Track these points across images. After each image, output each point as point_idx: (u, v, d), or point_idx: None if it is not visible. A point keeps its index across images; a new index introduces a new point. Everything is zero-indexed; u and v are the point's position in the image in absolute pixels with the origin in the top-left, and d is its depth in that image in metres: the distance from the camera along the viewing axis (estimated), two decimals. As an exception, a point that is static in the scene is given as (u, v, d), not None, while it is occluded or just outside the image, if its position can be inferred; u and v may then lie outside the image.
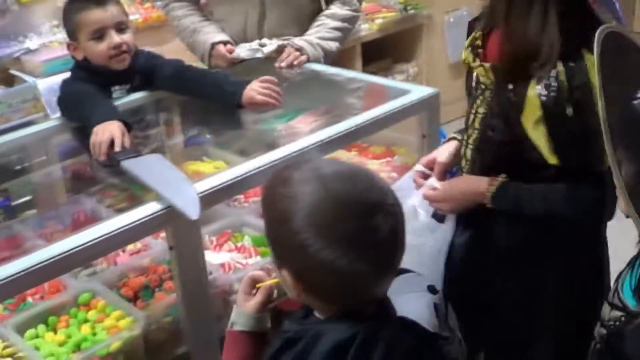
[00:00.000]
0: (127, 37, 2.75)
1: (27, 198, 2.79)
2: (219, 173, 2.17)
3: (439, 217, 2.28)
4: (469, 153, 2.24)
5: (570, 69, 1.95)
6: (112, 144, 2.40)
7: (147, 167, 2.21)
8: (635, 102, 1.56)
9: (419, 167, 2.35)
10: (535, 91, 1.97)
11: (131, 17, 3.74)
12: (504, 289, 2.25)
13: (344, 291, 1.47)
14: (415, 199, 2.30)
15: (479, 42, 2.18)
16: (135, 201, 2.52)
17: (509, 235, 2.20)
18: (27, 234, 2.54)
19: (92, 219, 2.55)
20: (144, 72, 2.87)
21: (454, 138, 2.39)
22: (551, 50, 1.95)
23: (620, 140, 1.60)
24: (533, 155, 2.03)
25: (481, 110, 2.17)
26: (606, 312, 1.88)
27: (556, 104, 1.95)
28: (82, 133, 2.58)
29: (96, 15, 2.69)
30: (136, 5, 4.45)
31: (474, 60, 2.16)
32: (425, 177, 2.34)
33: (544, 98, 1.96)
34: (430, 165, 2.35)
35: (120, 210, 2.50)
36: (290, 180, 1.50)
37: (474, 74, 2.22)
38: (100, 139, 2.40)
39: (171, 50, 4.11)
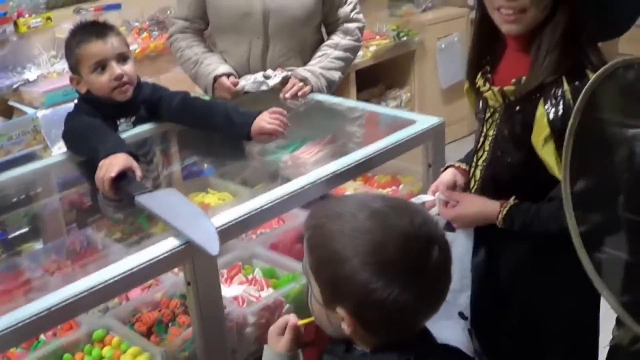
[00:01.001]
0: (128, 68, 2.76)
1: (24, 230, 2.78)
2: (235, 207, 2.16)
3: (449, 227, 2.32)
4: (478, 173, 2.33)
5: (576, 87, 2.02)
6: (120, 177, 2.39)
7: (162, 202, 2.20)
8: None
9: (423, 196, 2.38)
10: (544, 110, 2.06)
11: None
12: (518, 304, 2.32)
13: (399, 324, 1.49)
14: None
15: (487, 68, 2.28)
16: (143, 234, 2.53)
17: (520, 250, 2.27)
18: (28, 267, 2.52)
19: (98, 253, 2.55)
20: (150, 103, 2.87)
21: (451, 166, 2.48)
22: (562, 70, 2.06)
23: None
24: (542, 174, 2.11)
25: (491, 132, 2.27)
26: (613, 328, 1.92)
27: (564, 121, 1.98)
28: (89, 167, 2.57)
29: (97, 48, 2.70)
30: (133, 35, 4.45)
31: (484, 85, 2.25)
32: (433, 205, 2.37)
33: (552, 116, 2.04)
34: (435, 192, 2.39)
35: (123, 241, 2.52)
36: (342, 217, 1.51)
37: (481, 98, 2.31)
38: (105, 173, 2.39)
39: (169, 79, 4.13)
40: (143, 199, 2.25)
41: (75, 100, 2.89)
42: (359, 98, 5.54)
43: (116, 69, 2.71)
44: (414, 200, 2.34)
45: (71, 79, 2.82)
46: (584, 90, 1.73)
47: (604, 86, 1.72)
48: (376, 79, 5.88)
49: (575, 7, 2.07)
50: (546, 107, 2.06)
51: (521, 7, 2.10)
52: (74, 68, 2.78)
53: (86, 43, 2.71)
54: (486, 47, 2.30)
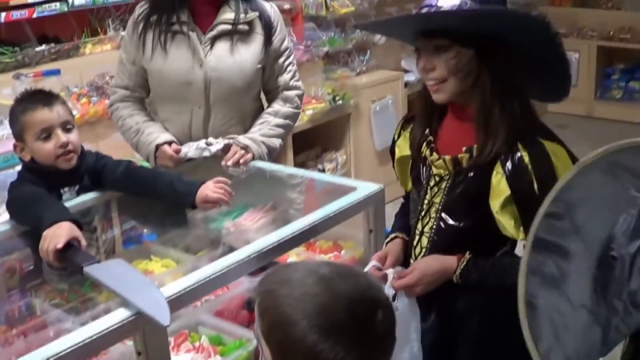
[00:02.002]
0: (73, 136, 2.77)
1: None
2: (183, 277, 2.20)
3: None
4: (425, 240, 2.40)
5: (533, 153, 2.16)
6: (66, 246, 2.41)
7: (111, 272, 2.23)
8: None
9: (373, 262, 2.43)
10: (502, 175, 2.17)
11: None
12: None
13: None
14: None
15: (431, 138, 2.37)
16: (89, 302, 2.53)
17: (473, 307, 2.35)
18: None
19: (45, 322, 2.54)
20: (93, 172, 2.89)
21: (397, 237, 2.54)
22: (515, 136, 2.18)
23: None
24: (494, 235, 2.24)
25: (437, 199, 2.35)
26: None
27: (523, 185, 2.14)
28: (33, 236, 2.58)
29: (43, 115, 2.71)
30: (73, 100, 4.46)
31: (431, 154, 2.34)
32: (379, 271, 2.41)
33: (511, 180, 2.15)
34: (383, 261, 2.45)
35: (70, 310, 2.52)
36: (291, 283, 1.58)
37: (424, 167, 2.40)
38: (49, 244, 2.41)
39: (109, 145, 4.15)
40: (91, 270, 2.27)
41: (18, 168, 2.89)
42: (295, 161, 5.63)
43: (61, 136, 2.72)
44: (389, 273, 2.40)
45: (15, 147, 2.82)
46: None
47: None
48: (312, 141, 5.98)
49: (497, 69, 2.21)
50: (504, 171, 2.17)
51: (440, 77, 2.24)
52: (19, 135, 2.78)
53: (32, 110, 2.72)
54: (429, 119, 2.40)
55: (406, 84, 6.47)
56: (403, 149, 2.52)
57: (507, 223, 2.18)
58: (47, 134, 2.72)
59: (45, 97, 2.78)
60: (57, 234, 2.42)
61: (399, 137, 2.56)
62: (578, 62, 8.87)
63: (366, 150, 6.12)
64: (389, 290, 2.31)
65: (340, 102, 5.87)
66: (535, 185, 2.13)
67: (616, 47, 8.83)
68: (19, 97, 2.84)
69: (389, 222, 2.71)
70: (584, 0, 9.26)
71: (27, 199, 2.69)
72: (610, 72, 9.04)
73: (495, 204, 2.19)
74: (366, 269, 2.42)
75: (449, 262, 2.30)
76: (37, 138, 2.72)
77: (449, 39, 2.22)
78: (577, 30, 9.05)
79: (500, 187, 2.18)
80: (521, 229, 2.17)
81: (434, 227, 2.37)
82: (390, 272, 2.36)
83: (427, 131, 2.40)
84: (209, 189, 2.75)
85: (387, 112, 6.19)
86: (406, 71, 6.60)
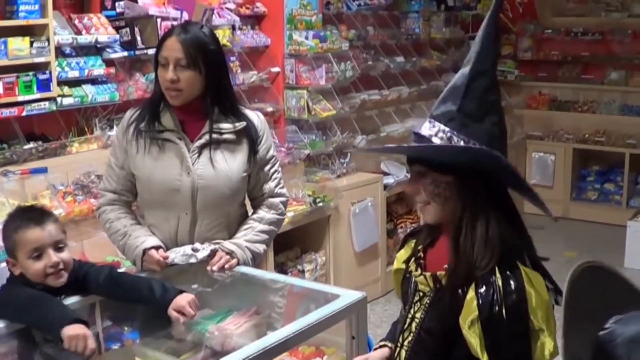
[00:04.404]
0: (65, 255, 2.80)
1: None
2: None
3: None
4: (403, 354, 2.44)
5: (506, 276, 2.20)
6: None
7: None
8: (602, 332, 1.81)
9: None
10: (474, 293, 2.21)
11: (54, 212, 3.70)
12: None
13: None
14: None
15: (421, 254, 2.44)
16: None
17: None
18: None
19: None
20: (76, 279, 2.91)
21: (385, 345, 2.59)
22: (491, 260, 2.22)
23: None
24: (470, 355, 2.24)
25: (419, 314, 2.40)
26: None
27: (491, 307, 2.18)
28: (15, 334, 2.62)
29: (34, 235, 2.74)
30: (59, 198, 4.52)
31: (416, 270, 2.41)
32: None
33: (481, 301, 2.19)
34: None
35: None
36: None
37: (411, 282, 2.45)
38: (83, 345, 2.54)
39: (93, 244, 4.21)
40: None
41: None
42: (275, 261, 5.69)
43: (52, 256, 2.75)
44: None
45: (7, 261, 2.84)
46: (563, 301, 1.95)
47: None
48: (293, 242, 6.04)
49: (469, 195, 2.28)
50: (477, 291, 2.22)
51: (422, 201, 2.34)
52: (11, 252, 2.80)
53: (24, 229, 2.75)
54: (430, 234, 2.47)
55: (385, 187, 6.58)
56: (400, 261, 2.58)
57: (474, 342, 2.21)
58: (38, 253, 2.75)
59: (38, 216, 2.82)
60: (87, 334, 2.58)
61: (401, 248, 2.62)
62: (554, 164, 9.08)
63: (345, 252, 6.17)
64: None
65: (321, 204, 5.96)
66: (504, 312, 2.17)
67: (591, 149, 9.06)
68: (12, 213, 2.90)
69: (370, 327, 2.76)
70: (559, 104, 9.50)
71: (27, 299, 2.72)
72: (586, 174, 9.25)
73: (465, 321, 2.23)
74: None
75: None
76: (29, 257, 2.75)
77: (425, 166, 2.31)
78: (553, 133, 9.27)
79: (471, 307, 2.22)
80: (485, 351, 2.20)
81: (413, 341, 2.42)
82: None
83: (420, 247, 2.47)
84: (185, 304, 2.84)
85: (367, 214, 6.28)
86: (386, 174, 6.72)
